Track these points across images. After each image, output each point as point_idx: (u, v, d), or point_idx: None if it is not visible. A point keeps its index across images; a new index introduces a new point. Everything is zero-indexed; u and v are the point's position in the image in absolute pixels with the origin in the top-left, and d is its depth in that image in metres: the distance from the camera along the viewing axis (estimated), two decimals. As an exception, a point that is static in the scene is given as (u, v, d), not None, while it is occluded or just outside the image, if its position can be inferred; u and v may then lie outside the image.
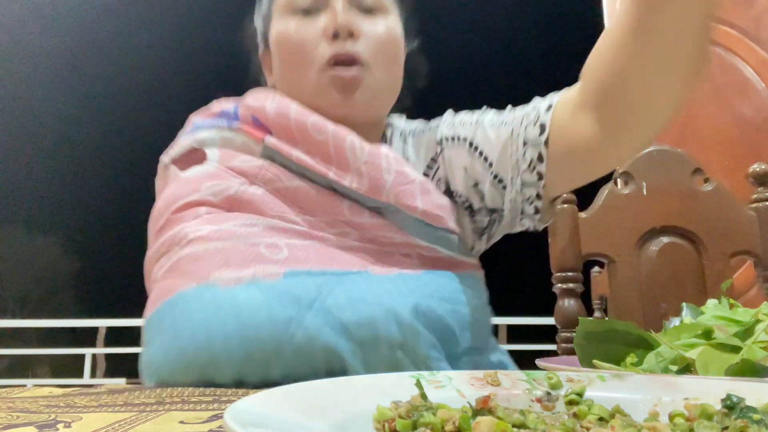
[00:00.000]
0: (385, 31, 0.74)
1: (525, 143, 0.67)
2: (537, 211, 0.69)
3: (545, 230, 1.12)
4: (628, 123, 0.61)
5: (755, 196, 1.13)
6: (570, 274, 1.08)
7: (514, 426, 0.27)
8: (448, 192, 0.75)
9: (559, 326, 1.09)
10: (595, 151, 0.63)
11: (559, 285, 1.08)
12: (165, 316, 0.62)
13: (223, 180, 0.69)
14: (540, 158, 0.66)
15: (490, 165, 0.70)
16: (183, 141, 0.75)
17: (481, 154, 0.71)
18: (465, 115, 0.77)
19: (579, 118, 0.63)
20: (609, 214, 1.11)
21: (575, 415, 0.31)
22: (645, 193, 1.11)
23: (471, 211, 0.75)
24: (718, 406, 0.29)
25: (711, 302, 0.57)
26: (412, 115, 0.86)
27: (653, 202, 1.11)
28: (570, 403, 0.34)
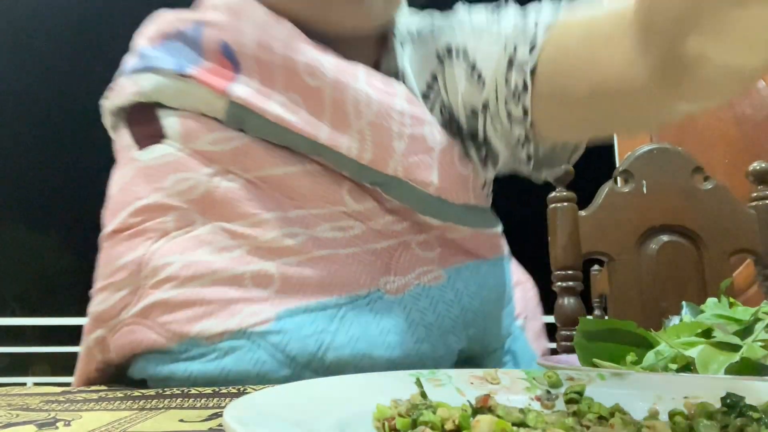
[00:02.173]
0: None
1: (510, 64, 0.51)
2: (529, 158, 0.54)
3: (544, 229, 1.12)
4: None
5: (755, 194, 1.13)
6: (570, 272, 1.08)
7: (513, 424, 0.27)
8: (450, 120, 0.59)
9: (558, 325, 1.09)
10: (639, 93, 0.42)
11: (559, 283, 1.08)
12: (156, 378, 0.53)
13: (190, 172, 0.55)
14: (525, 87, 0.50)
15: (483, 86, 0.54)
16: (126, 84, 0.58)
17: (479, 77, 0.54)
18: (479, 16, 0.59)
19: (620, 45, 0.42)
20: (609, 213, 1.11)
21: (575, 413, 0.31)
22: (645, 191, 1.11)
23: (476, 140, 0.59)
24: (718, 405, 0.29)
25: (711, 301, 0.57)
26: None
27: (653, 200, 1.11)
28: (570, 401, 0.34)
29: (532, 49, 0.49)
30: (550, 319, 1.09)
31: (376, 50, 0.62)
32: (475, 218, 0.59)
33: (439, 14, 0.65)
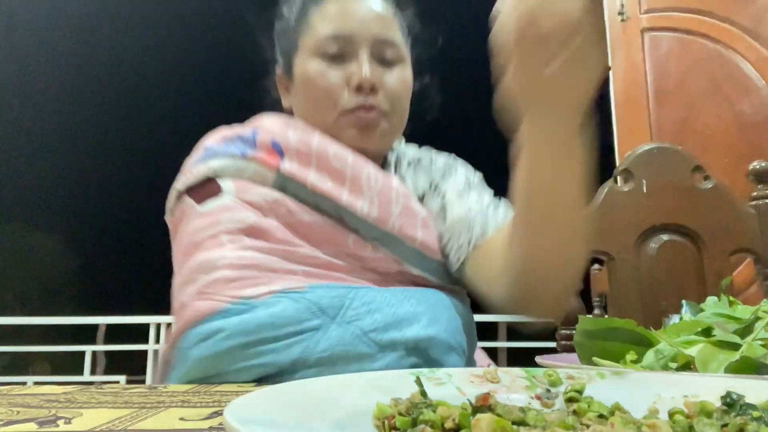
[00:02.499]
0: (400, 82, 0.82)
1: (467, 229, 0.76)
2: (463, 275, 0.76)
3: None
4: (530, 294, 0.65)
5: (755, 193, 1.13)
6: (570, 271, 1.08)
7: (513, 423, 0.27)
8: None
9: (558, 324, 1.09)
10: (501, 298, 0.70)
11: (559, 282, 1.08)
12: (204, 334, 0.65)
13: (240, 212, 0.73)
14: (466, 248, 0.75)
15: (444, 223, 0.79)
16: (197, 169, 0.77)
17: (445, 217, 0.80)
18: (462, 173, 0.85)
19: (497, 270, 0.68)
20: (609, 212, 1.11)
21: (575, 412, 0.31)
22: (645, 190, 1.11)
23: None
24: (718, 404, 0.29)
25: (711, 300, 0.57)
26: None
27: (653, 199, 1.11)
28: (570, 400, 0.34)
29: (482, 232, 0.74)
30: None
31: (380, 160, 0.86)
32: (446, 277, 0.78)
33: (435, 151, 0.91)
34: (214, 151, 0.78)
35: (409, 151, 0.90)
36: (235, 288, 0.66)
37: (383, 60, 0.81)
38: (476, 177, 0.86)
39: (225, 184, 0.75)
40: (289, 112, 0.87)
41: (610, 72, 2.63)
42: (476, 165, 0.91)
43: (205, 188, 0.76)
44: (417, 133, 0.93)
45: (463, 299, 0.81)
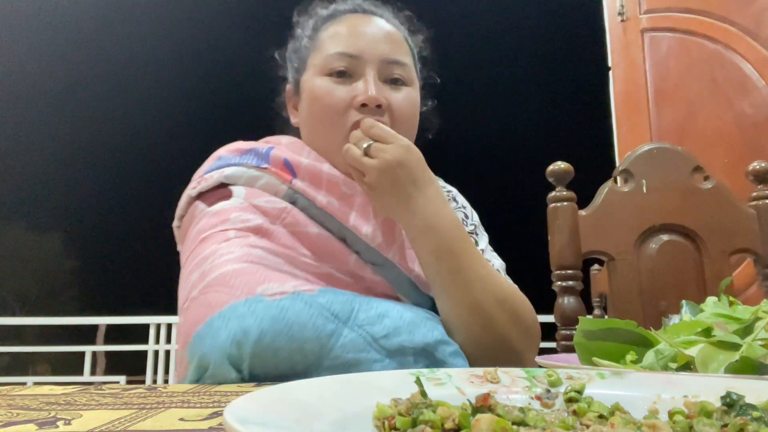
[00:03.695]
0: (407, 103, 0.82)
1: None
2: None
3: (544, 228, 1.12)
4: None
5: (755, 193, 1.13)
6: (570, 271, 1.08)
7: (513, 423, 0.27)
8: None
9: (558, 324, 1.09)
10: None
11: (559, 283, 1.09)
12: (220, 327, 0.61)
13: (248, 213, 0.74)
14: None
15: None
16: (209, 176, 0.79)
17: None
18: (484, 237, 0.90)
19: None
20: (609, 212, 1.11)
21: (575, 412, 0.31)
22: (645, 191, 1.11)
23: None
24: (718, 404, 0.29)
25: (710, 300, 0.57)
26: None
27: (653, 199, 1.11)
28: (570, 400, 0.34)
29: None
30: (550, 318, 1.09)
31: None
32: (432, 308, 0.78)
33: (455, 191, 0.93)
34: (228, 160, 0.80)
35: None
36: (249, 283, 0.65)
37: (391, 80, 0.81)
38: (482, 241, 0.89)
39: (237, 189, 0.77)
40: (298, 130, 0.88)
41: (610, 72, 2.64)
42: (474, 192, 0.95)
43: (216, 193, 0.77)
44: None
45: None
